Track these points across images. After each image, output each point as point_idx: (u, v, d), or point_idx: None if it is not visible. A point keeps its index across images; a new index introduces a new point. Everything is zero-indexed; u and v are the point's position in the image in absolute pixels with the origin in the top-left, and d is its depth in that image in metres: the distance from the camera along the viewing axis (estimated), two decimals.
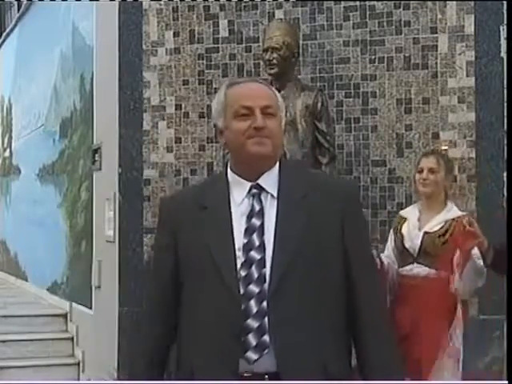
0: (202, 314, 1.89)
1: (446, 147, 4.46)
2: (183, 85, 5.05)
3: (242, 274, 1.83)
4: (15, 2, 10.27)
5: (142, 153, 5.10)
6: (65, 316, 6.87)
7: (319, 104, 4.34)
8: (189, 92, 5.04)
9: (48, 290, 7.69)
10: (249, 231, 1.87)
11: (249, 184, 1.92)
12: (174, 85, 5.06)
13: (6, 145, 10.59)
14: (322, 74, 4.75)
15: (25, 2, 9.15)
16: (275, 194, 1.91)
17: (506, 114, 4.31)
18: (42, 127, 8.31)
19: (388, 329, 1.99)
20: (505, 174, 4.27)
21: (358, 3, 4.71)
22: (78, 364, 6.34)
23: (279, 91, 4.14)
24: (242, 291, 1.82)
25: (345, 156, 4.69)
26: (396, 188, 4.63)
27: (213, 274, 1.85)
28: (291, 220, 1.87)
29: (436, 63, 4.58)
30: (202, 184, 2.30)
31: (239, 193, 1.92)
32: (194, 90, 5.03)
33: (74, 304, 6.71)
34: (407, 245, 3.68)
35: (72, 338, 6.58)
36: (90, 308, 6.18)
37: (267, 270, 1.83)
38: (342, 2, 4.75)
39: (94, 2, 6.08)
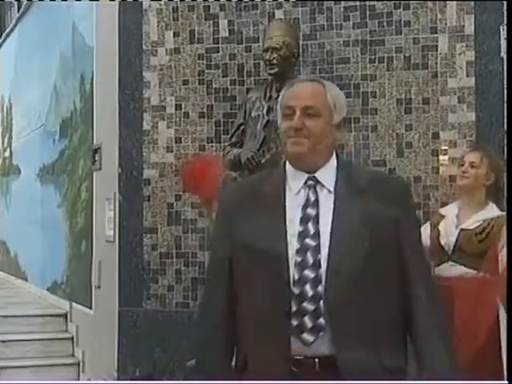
0: (253, 300, 1.92)
1: (445, 147, 4.47)
2: (183, 85, 5.05)
3: (298, 259, 1.87)
4: (15, 2, 10.26)
5: (142, 153, 5.11)
6: (65, 316, 6.85)
7: None
8: (189, 92, 5.04)
9: (48, 290, 7.69)
10: (304, 220, 1.91)
11: (306, 176, 1.97)
12: (174, 85, 5.06)
13: (6, 145, 10.58)
14: (321, 74, 4.73)
15: (25, 2, 9.14)
16: (332, 189, 1.95)
17: (506, 114, 4.31)
18: (42, 127, 8.30)
19: (444, 327, 1.99)
20: (505, 174, 4.26)
21: (357, 3, 4.71)
22: (78, 364, 6.33)
23: (279, 91, 4.19)
24: (296, 276, 1.86)
25: (345, 156, 4.68)
26: None
27: (264, 260, 1.89)
28: (347, 212, 1.91)
29: (436, 63, 4.58)
30: (261, 174, 2.34)
31: (296, 183, 1.98)
32: (193, 90, 5.03)
33: (74, 304, 6.71)
34: (442, 241, 3.55)
35: (72, 338, 6.57)
36: (90, 308, 6.17)
37: (322, 256, 1.87)
38: (342, 2, 4.75)
39: (94, 2, 6.08)
